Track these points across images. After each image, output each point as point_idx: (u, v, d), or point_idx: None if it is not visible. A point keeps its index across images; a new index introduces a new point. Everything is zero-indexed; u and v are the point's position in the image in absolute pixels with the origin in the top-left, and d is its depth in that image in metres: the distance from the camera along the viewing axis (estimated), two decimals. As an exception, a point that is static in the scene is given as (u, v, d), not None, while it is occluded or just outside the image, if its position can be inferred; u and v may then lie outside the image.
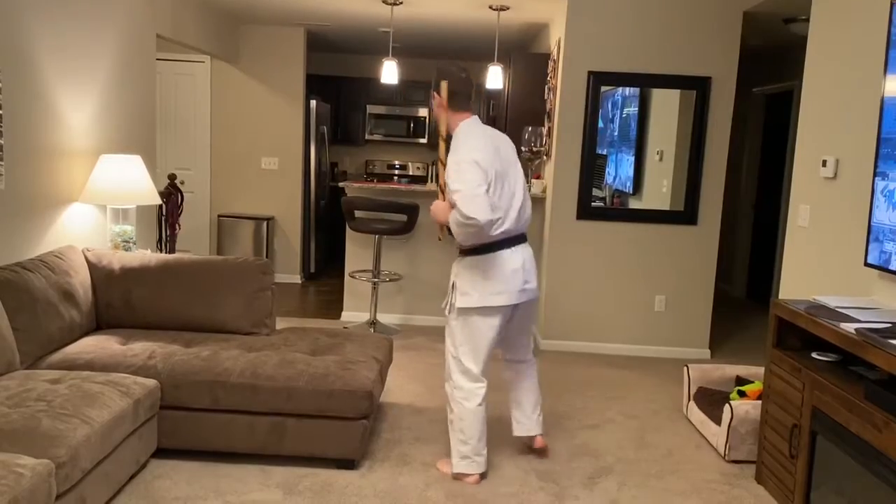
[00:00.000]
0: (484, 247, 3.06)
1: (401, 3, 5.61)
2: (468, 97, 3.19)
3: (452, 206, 2.97)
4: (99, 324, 3.65)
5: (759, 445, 3.32)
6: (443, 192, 3.11)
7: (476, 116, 3.20)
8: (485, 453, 3.17)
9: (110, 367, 3.13)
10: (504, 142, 3.21)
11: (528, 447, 3.50)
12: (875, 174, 2.97)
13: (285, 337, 3.63)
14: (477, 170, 2.94)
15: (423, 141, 8.82)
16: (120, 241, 4.06)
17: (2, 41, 3.26)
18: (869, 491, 2.46)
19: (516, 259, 3.10)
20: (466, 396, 3.12)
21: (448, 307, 3.17)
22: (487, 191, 2.93)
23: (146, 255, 3.80)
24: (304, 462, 3.22)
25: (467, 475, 3.15)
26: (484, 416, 3.14)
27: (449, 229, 3.04)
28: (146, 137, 4.82)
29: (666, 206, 5.29)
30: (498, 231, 3.02)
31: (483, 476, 3.18)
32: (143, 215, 4.67)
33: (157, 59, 5.06)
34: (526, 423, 3.43)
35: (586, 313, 5.37)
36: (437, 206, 3.11)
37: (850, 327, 2.63)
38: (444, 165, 3.08)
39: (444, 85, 3.16)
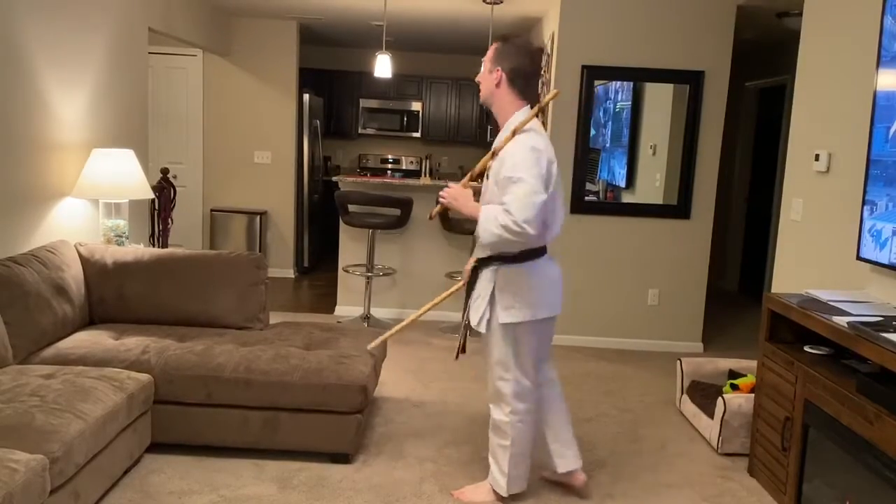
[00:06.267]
0: (530, 253, 2.74)
1: (394, -4, 5.59)
2: (531, 81, 2.73)
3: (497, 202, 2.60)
4: (92, 318, 3.63)
5: (752, 438, 3.34)
6: (476, 178, 2.77)
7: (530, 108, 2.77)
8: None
9: (104, 362, 3.12)
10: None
11: (562, 485, 3.06)
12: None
13: (279, 331, 3.63)
14: (542, 172, 2.59)
15: (417, 135, 8.80)
16: (112, 235, 4.04)
17: (-8, 34, 3.24)
18: (860, 483, 2.48)
19: (555, 268, 2.85)
20: (523, 418, 2.82)
21: (482, 324, 2.79)
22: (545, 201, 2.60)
23: (139, 250, 3.79)
24: (298, 456, 3.22)
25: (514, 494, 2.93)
26: (534, 431, 2.93)
27: (443, 216, 2.75)
28: (138, 131, 4.80)
29: (659, 200, 5.30)
30: (547, 239, 2.79)
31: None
32: (136, 210, 4.65)
33: (149, 53, 5.03)
34: (569, 456, 2.99)
35: (580, 307, 5.37)
36: (459, 192, 2.73)
37: (842, 321, 2.65)
38: (494, 156, 2.71)
39: (502, 61, 2.70)
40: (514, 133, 2.67)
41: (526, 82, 2.73)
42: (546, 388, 3.00)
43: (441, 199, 2.80)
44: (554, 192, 2.73)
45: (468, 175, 2.85)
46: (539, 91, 2.89)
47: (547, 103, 2.65)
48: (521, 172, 2.55)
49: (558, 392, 3.04)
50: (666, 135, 5.25)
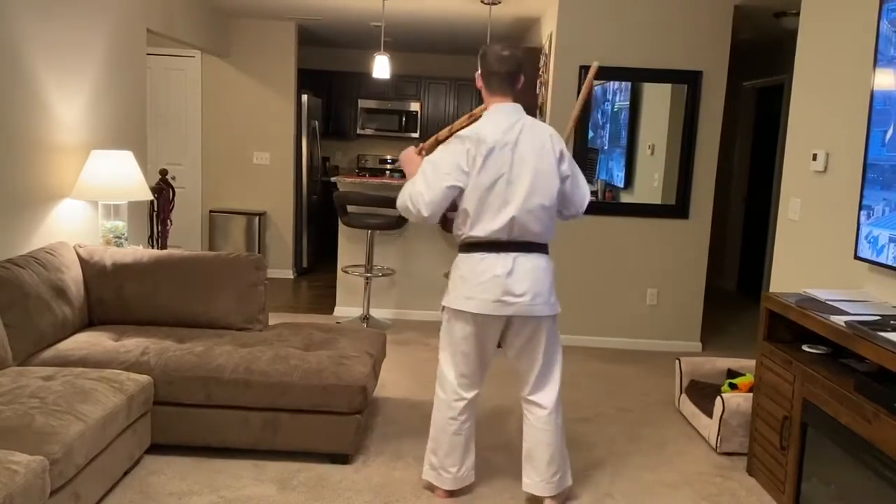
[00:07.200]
0: (466, 246, 2.79)
1: (392, -3, 5.60)
2: (502, 79, 2.78)
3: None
4: (91, 320, 3.64)
5: (751, 437, 3.35)
6: (426, 150, 2.91)
7: (509, 103, 2.79)
8: (454, 471, 2.92)
9: (103, 364, 3.13)
10: (532, 138, 2.73)
11: None
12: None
13: (278, 332, 3.63)
14: (454, 159, 2.69)
15: (416, 135, 8.80)
16: (112, 236, 4.04)
17: (-9, 36, 3.24)
18: (858, 481, 2.49)
19: (500, 266, 2.70)
20: (439, 406, 2.91)
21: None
22: (462, 188, 2.69)
23: (138, 251, 3.79)
24: (298, 457, 3.22)
25: (434, 486, 2.98)
26: (456, 434, 2.89)
27: (443, 219, 2.81)
28: (137, 132, 4.80)
29: (657, 200, 5.31)
30: (477, 233, 2.72)
31: (452, 493, 2.96)
32: (135, 211, 4.65)
33: (148, 54, 5.03)
34: (535, 480, 2.89)
35: (578, 307, 5.38)
36: (407, 154, 2.96)
37: (840, 320, 2.65)
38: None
39: (479, 64, 2.86)
40: (456, 128, 2.92)
41: (497, 80, 2.82)
42: (534, 408, 2.89)
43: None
44: (490, 185, 2.67)
45: (433, 138, 3.01)
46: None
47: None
48: (436, 155, 2.78)
49: (548, 426, 2.86)
50: (664, 135, 5.26)
